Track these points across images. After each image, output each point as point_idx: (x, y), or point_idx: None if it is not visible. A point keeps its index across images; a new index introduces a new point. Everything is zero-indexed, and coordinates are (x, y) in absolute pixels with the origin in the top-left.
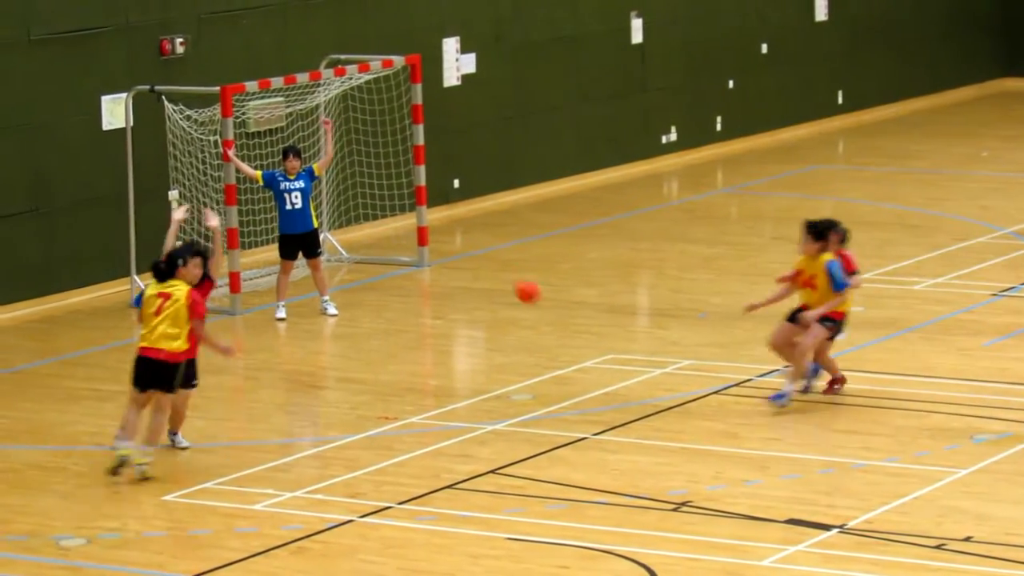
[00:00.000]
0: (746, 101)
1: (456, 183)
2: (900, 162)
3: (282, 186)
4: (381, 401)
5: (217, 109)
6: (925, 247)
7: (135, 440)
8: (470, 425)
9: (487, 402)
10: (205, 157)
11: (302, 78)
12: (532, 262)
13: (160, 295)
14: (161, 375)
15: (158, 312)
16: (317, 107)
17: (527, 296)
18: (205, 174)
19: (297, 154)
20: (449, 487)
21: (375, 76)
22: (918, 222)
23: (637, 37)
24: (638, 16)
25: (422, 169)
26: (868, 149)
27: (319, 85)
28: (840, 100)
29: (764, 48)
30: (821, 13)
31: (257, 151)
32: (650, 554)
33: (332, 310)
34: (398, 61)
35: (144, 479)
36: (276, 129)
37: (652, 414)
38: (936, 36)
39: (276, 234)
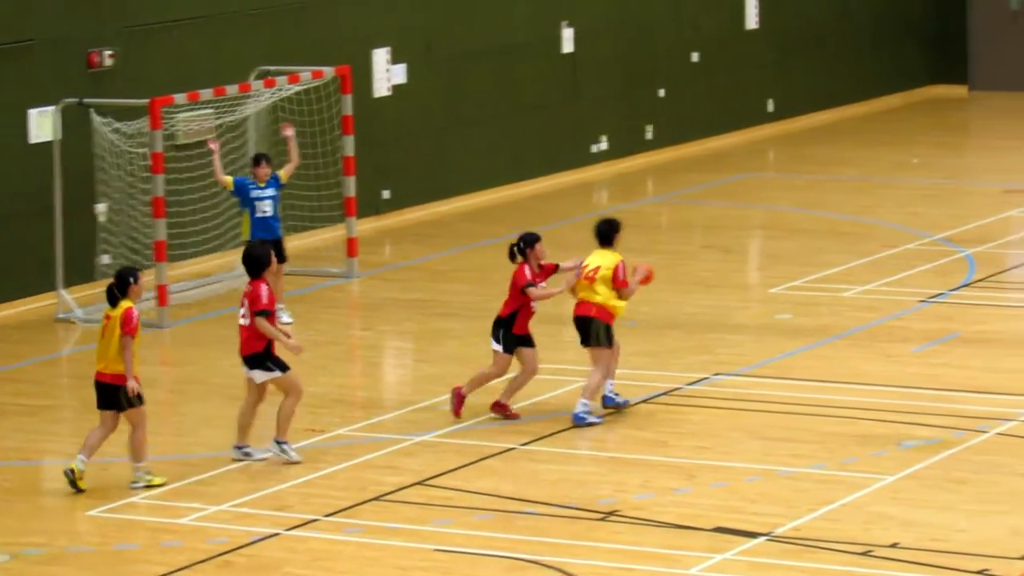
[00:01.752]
0: (677, 110)
1: (386, 194)
2: (830, 170)
3: (253, 194)
4: (309, 413)
5: (146, 122)
6: (855, 254)
7: (87, 456)
8: (398, 437)
9: (415, 413)
10: (134, 170)
11: (232, 90)
12: (463, 272)
13: (106, 317)
14: (111, 397)
15: (103, 335)
16: (246, 119)
17: (648, 280)
18: (133, 187)
19: (268, 161)
20: (376, 499)
21: (305, 87)
22: (848, 229)
23: (568, 47)
24: (568, 26)
25: (352, 180)
26: (798, 157)
27: (249, 96)
28: (770, 108)
29: (695, 57)
30: (752, 22)
31: (186, 163)
32: (578, 564)
33: (286, 318)
34: (328, 72)
35: (149, 487)
36: (205, 141)
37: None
38: (865, 44)
39: (206, 246)
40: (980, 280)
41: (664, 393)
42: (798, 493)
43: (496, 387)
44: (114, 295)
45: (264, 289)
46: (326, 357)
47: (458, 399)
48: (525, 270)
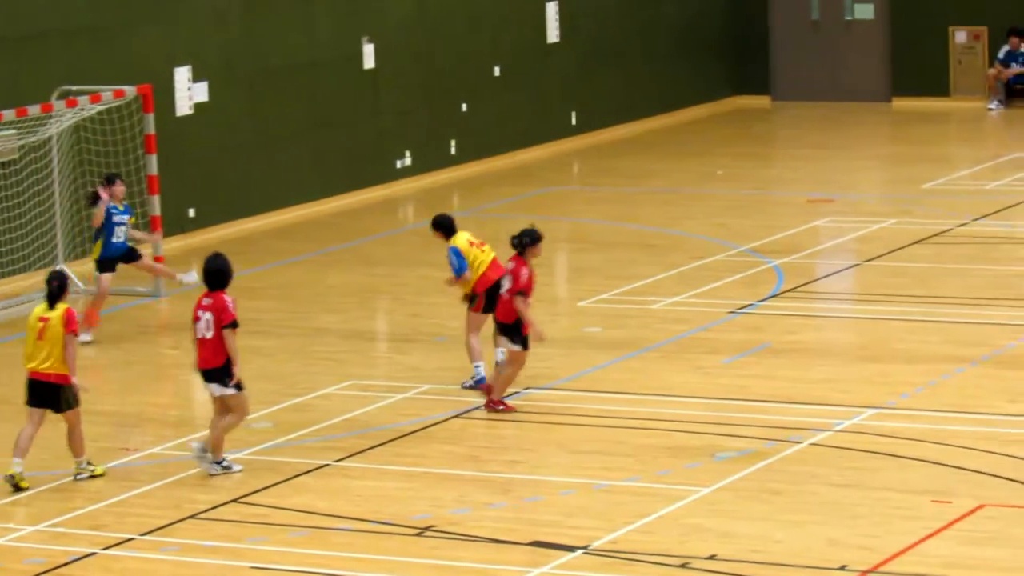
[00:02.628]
0: (480, 124)
1: (192, 212)
2: (636, 182)
3: (115, 219)
4: (121, 432)
5: None
6: (663, 266)
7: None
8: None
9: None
10: None
11: (34, 110)
12: (271, 289)
13: (42, 319)
14: (51, 396)
15: (41, 335)
16: (50, 139)
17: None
18: None
19: (121, 178)
20: (192, 517)
21: (107, 107)
22: (655, 241)
23: (369, 63)
24: (369, 42)
25: (157, 199)
26: (603, 170)
27: (51, 117)
28: (574, 121)
29: (497, 71)
30: (553, 35)
31: None
32: None
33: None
34: (130, 91)
35: (93, 477)
36: (9, 161)
37: (394, 439)
38: (667, 56)
39: (13, 267)
40: (789, 290)
41: (476, 408)
42: (613, 506)
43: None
44: (53, 296)
45: (229, 300)
46: (136, 376)
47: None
48: (522, 272)
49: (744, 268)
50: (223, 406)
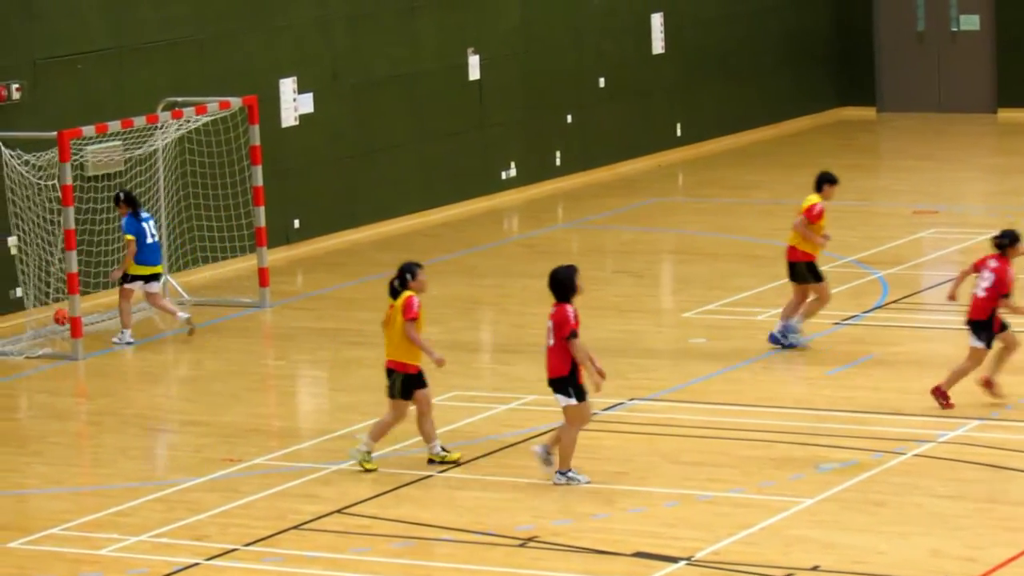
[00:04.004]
0: (585, 135)
1: (296, 223)
2: (740, 193)
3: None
4: (225, 443)
5: (55, 154)
6: (766, 278)
7: None
8: (315, 465)
9: (331, 442)
10: (44, 202)
11: (139, 121)
12: (374, 301)
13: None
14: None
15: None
16: (155, 151)
17: None
18: (44, 219)
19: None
20: (295, 528)
21: (212, 118)
22: (759, 252)
23: (474, 73)
24: (475, 53)
25: (261, 210)
26: (707, 181)
27: (157, 128)
28: (679, 132)
29: (602, 82)
30: (658, 46)
31: (93, 194)
32: None
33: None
34: (235, 102)
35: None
36: (115, 173)
37: (498, 450)
38: (771, 67)
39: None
40: (893, 302)
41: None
42: (716, 517)
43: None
44: (394, 288)
45: (571, 311)
46: (240, 387)
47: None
48: (1008, 272)
49: (849, 279)
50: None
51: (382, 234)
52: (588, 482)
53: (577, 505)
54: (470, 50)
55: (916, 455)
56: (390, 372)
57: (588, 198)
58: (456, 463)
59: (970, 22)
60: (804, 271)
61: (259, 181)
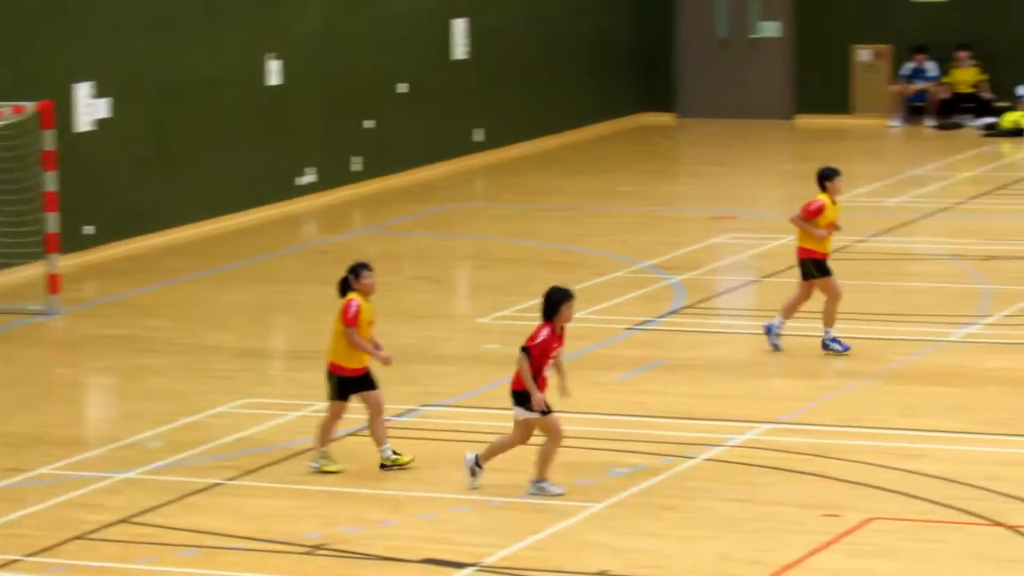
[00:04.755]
0: (384, 141)
1: (89, 229)
2: (540, 199)
3: None
4: (10, 453)
5: None
6: (563, 283)
7: None
8: (101, 474)
9: (119, 451)
10: None
11: None
12: (167, 308)
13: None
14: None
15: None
16: None
17: None
18: None
19: None
20: (79, 537)
21: (6, 123)
22: (558, 258)
23: (274, 79)
24: (275, 58)
25: (53, 215)
26: (507, 187)
27: None
28: (479, 138)
29: (403, 87)
30: (459, 52)
31: None
32: None
33: None
34: (29, 107)
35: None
36: None
37: (287, 458)
38: (574, 73)
39: None
40: (688, 307)
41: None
42: (507, 523)
43: None
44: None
45: (540, 331)
46: (26, 395)
47: None
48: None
49: (644, 284)
50: (522, 430)
51: (177, 240)
52: (562, 492)
53: (367, 512)
54: (270, 55)
55: (706, 459)
56: (329, 374)
57: (387, 204)
58: (405, 467)
59: (770, 29)
60: (810, 268)
61: (52, 186)
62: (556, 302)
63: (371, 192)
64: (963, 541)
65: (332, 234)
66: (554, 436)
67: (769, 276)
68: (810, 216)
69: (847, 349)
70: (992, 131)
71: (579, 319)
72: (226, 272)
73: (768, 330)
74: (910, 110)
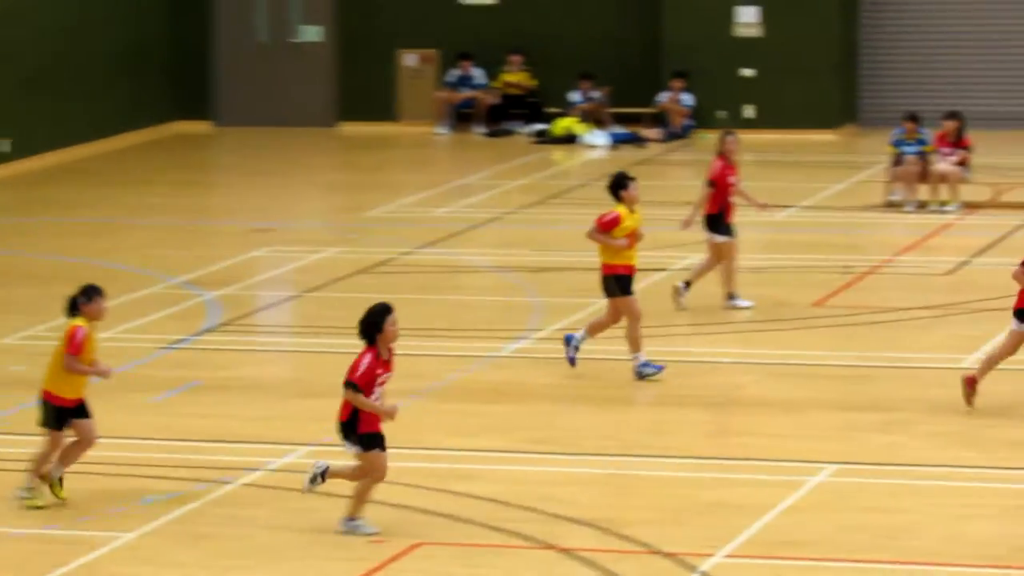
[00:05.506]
0: None
1: None
2: (68, 212)
3: None
4: None
5: None
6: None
7: None
8: None
9: None
10: None
11: None
12: None
13: None
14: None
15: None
16: None
17: None
18: None
19: None
20: None
21: None
22: (88, 275)
23: None
24: None
25: None
26: (33, 200)
27: None
28: (5, 148)
29: None
30: None
31: None
32: None
33: None
34: None
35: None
36: None
37: None
38: (102, 81)
39: None
40: (225, 324)
41: None
42: (29, 557)
43: None
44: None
45: (362, 358)
46: None
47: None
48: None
49: (178, 301)
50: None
51: None
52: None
53: None
54: None
55: (245, 484)
56: (43, 402)
57: None
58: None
59: (312, 33)
60: (611, 285)
61: None
62: (374, 321)
63: None
64: (510, 566)
65: None
66: (376, 473)
67: (311, 291)
68: (606, 228)
69: (660, 369)
70: (543, 138)
71: (108, 338)
72: None
73: (567, 340)
74: (458, 117)
